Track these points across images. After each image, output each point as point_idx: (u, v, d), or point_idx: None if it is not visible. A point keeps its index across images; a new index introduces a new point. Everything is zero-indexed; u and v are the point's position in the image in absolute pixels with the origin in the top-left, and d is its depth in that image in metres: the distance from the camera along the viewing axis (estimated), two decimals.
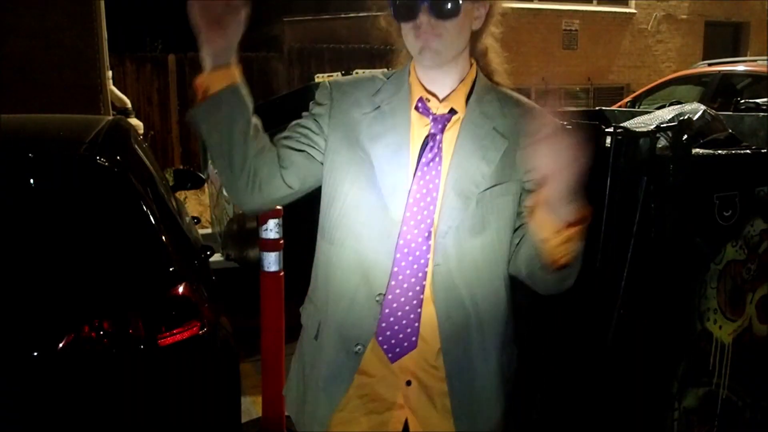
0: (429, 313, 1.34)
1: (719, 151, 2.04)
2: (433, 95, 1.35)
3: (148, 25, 9.19)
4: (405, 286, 1.32)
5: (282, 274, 2.85)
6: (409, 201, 1.31)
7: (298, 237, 3.62)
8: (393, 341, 1.34)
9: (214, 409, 2.25)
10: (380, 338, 1.34)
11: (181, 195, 4.42)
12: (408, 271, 1.32)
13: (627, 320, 1.97)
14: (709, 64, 7.80)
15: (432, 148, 1.32)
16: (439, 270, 1.31)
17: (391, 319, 1.33)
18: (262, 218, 2.81)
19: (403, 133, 1.33)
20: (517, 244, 1.35)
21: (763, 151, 2.10)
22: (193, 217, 3.90)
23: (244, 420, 2.74)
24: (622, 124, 2.22)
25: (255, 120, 1.32)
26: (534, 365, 2.07)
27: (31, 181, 2.23)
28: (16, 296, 2.01)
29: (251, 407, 3.16)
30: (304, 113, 1.44)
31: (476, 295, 1.35)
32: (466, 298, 1.34)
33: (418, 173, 1.32)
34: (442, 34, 1.26)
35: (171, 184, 3.50)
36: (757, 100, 3.55)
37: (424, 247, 1.31)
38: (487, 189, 1.31)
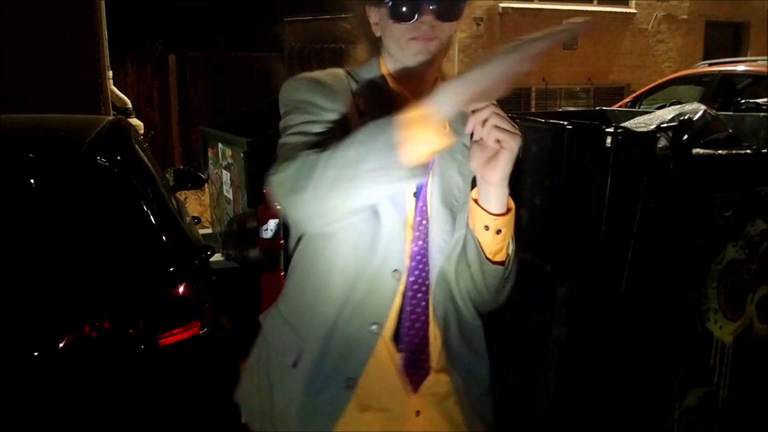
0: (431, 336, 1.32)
1: (719, 151, 2.04)
2: (413, 96, 1.26)
3: (149, 25, 9.19)
4: (418, 311, 1.29)
5: (282, 274, 2.85)
6: (404, 221, 1.26)
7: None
8: (414, 371, 1.31)
9: (214, 409, 2.25)
10: (406, 369, 1.30)
11: (181, 195, 4.41)
12: (414, 300, 1.29)
13: (627, 320, 1.97)
14: (710, 64, 7.81)
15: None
16: (439, 289, 1.30)
17: (411, 348, 1.30)
18: (262, 218, 2.81)
19: None
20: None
21: (763, 151, 2.10)
22: (193, 217, 3.91)
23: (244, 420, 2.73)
24: (622, 124, 2.22)
25: None
26: (534, 365, 2.07)
27: (31, 181, 2.23)
28: (17, 296, 2.01)
29: None
30: (307, 117, 1.22)
31: (464, 307, 1.34)
32: (461, 313, 1.33)
33: (409, 191, 1.26)
34: (439, 37, 1.22)
35: (171, 184, 3.50)
36: (758, 100, 3.55)
37: (423, 267, 1.29)
38: (464, 203, 1.28)
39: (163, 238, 2.26)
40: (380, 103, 1.23)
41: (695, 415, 2.08)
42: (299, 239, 1.36)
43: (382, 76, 1.29)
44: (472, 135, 1.18)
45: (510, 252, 1.27)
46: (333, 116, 1.21)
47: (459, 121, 1.19)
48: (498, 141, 1.12)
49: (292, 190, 1.09)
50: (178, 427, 2.12)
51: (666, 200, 1.92)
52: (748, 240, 2.05)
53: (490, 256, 1.25)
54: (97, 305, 2.00)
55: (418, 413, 1.32)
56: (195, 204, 7.33)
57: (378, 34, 1.28)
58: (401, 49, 1.23)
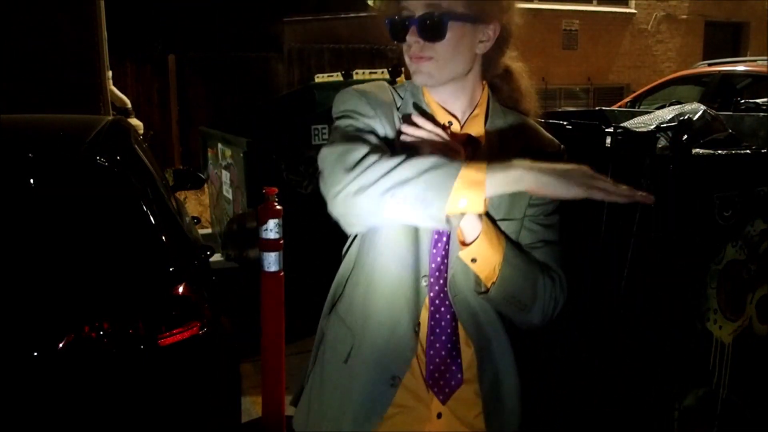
0: (462, 346, 1.32)
1: (719, 151, 2.04)
2: (455, 117, 1.30)
3: (148, 25, 9.18)
4: (443, 324, 1.30)
5: (282, 274, 2.85)
6: (435, 235, 1.28)
7: (299, 237, 3.63)
8: (442, 382, 1.32)
9: (214, 409, 2.25)
10: (430, 381, 1.31)
11: (181, 195, 4.41)
12: (442, 309, 1.30)
13: (627, 320, 1.97)
14: (709, 64, 7.80)
15: None
16: (459, 299, 1.29)
17: (437, 360, 1.31)
18: (262, 218, 2.81)
19: None
20: None
21: (763, 151, 2.10)
22: (193, 217, 3.90)
23: (244, 420, 2.74)
24: (622, 124, 2.22)
25: None
26: (533, 365, 2.07)
27: (31, 181, 2.23)
28: (17, 296, 2.00)
29: (251, 407, 3.16)
30: (348, 128, 1.26)
31: (497, 320, 1.33)
32: (487, 323, 1.32)
33: None
34: (432, 57, 1.21)
35: (171, 184, 3.50)
36: (757, 100, 3.55)
37: (443, 280, 1.30)
38: (495, 221, 1.27)
39: (163, 238, 2.26)
40: (418, 113, 1.28)
41: (695, 415, 2.08)
42: (353, 239, 1.38)
43: (423, 93, 1.31)
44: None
45: (497, 280, 1.24)
46: (374, 122, 1.26)
47: (500, 134, 1.28)
48: None
49: (338, 182, 1.14)
50: (178, 427, 2.12)
51: (666, 200, 1.92)
52: (747, 240, 2.05)
53: (486, 284, 1.25)
54: (97, 305, 2.00)
55: (439, 415, 1.33)
56: (195, 204, 7.33)
57: None
58: (408, 66, 1.26)
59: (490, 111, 1.32)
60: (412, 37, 1.21)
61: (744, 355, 2.11)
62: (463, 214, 1.17)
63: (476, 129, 1.30)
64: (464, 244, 1.22)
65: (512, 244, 1.26)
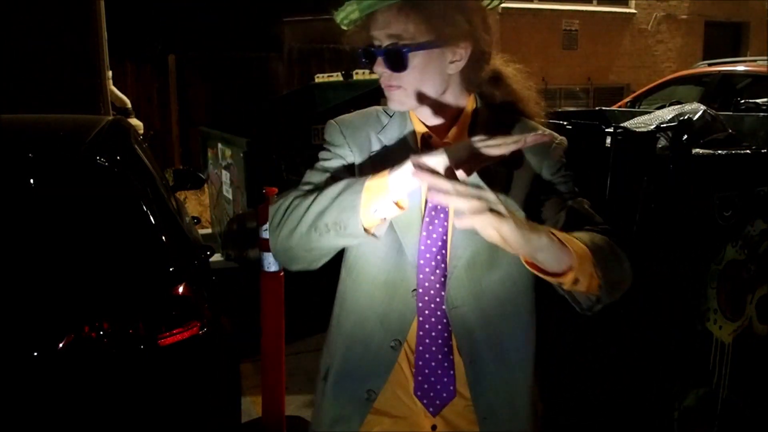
0: (456, 358, 1.31)
1: (719, 151, 2.04)
2: (436, 131, 1.30)
3: (148, 25, 9.18)
4: (433, 334, 1.29)
5: (282, 274, 2.85)
6: (422, 246, 1.27)
7: None
8: (432, 394, 1.31)
9: (214, 409, 2.25)
10: (418, 393, 1.31)
11: (181, 195, 4.41)
12: (433, 319, 1.29)
13: (627, 320, 1.97)
14: (709, 64, 7.80)
15: None
16: (457, 312, 1.27)
17: (426, 371, 1.30)
18: (262, 218, 2.81)
19: None
20: None
21: (763, 151, 2.10)
22: (193, 217, 3.90)
23: (244, 420, 2.74)
24: (622, 124, 2.22)
25: None
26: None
27: (31, 181, 2.23)
28: (17, 296, 2.00)
29: (251, 407, 3.16)
30: (323, 155, 1.34)
31: (501, 333, 1.31)
32: (485, 339, 1.29)
33: (426, 218, 1.27)
34: (401, 86, 1.24)
35: (171, 184, 3.50)
36: (757, 100, 3.54)
37: (443, 292, 1.28)
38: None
39: (163, 238, 2.26)
40: (401, 137, 1.31)
41: (695, 415, 2.08)
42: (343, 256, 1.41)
43: (407, 113, 1.33)
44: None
45: (601, 280, 1.15)
46: (341, 150, 1.32)
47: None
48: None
49: (270, 225, 1.24)
50: (178, 427, 2.12)
51: (665, 200, 1.92)
52: (747, 240, 2.05)
53: (586, 296, 1.18)
54: (97, 305, 2.00)
55: (434, 427, 1.33)
56: (195, 204, 7.33)
57: None
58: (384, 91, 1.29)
59: (479, 119, 1.31)
60: (378, 68, 1.24)
61: (744, 355, 2.11)
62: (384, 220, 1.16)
63: (461, 139, 1.28)
64: (553, 274, 1.11)
65: (580, 235, 1.17)
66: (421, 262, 1.28)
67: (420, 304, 1.29)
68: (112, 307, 2.01)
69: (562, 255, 1.07)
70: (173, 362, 2.05)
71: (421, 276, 1.28)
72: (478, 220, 0.98)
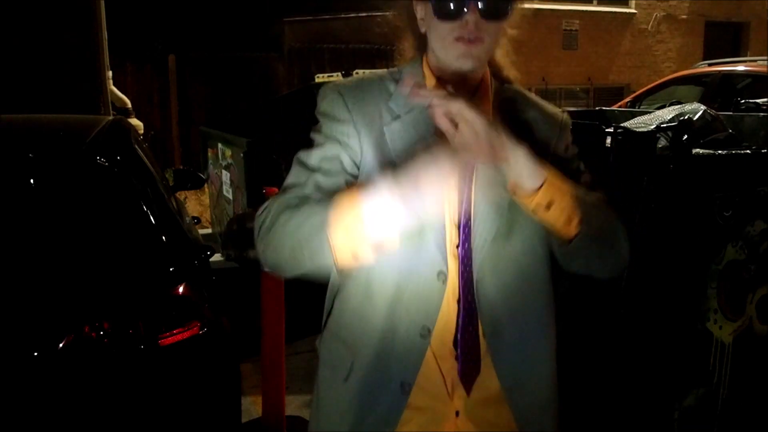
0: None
1: (719, 151, 2.04)
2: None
3: (148, 25, 9.18)
4: (465, 321, 1.25)
5: None
6: (446, 223, 1.21)
7: None
8: (468, 374, 1.26)
9: (214, 409, 2.25)
10: (463, 378, 1.26)
11: (181, 195, 4.41)
12: (466, 305, 1.24)
13: (627, 320, 1.97)
14: (710, 64, 7.79)
15: None
16: (481, 285, 1.23)
17: (465, 357, 1.25)
18: None
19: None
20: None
21: (763, 151, 2.10)
22: (193, 217, 3.90)
23: (244, 420, 2.74)
24: (622, 124, 2.22)
25: None
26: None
27: (31, 180, 2.23)
28: (17, 296, 2.00)
29: (251, 407, 3.16)
30: (319, 136, 1.24)
31: (523, 304, 1.27)
32: (506, 309, 1.26)
33: (453, 191, 1.21)
34: (484, 38, 1.14)
35: (171, 184, 3.50)
36: (757, 100, 3.55)
37: (467, 266, 1.23)
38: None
39: (163, 238, 2.26)
40: (419, 105, 1.18)
41: (695, 415, 2.08)
42: None
43: (424, 76, 1.24)
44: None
45: (583, 215, 1.16)
46: (346, 126, 1.21)
47: (505, 106, 1.23)
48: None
49: (255, 239, 1.21)
50: (178, 427, 2.12)
51: (666, 200, 1.92)
52: (748, 240, 2.05)
53: (564, 234, 1.18)
54: (97, 305, 2.00)
55: (457, 413, 1.28)
56: (195, 204, 7.33)
57: (423, 30, 1.22)
58: (445, 49, 1.17)
59: (493, 86, 1.27)
60: (473, 15, 1.12)
61: (744, 355, 2.11)
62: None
63: (485, 108, 1.20)
64: (528, 196, 1.13)
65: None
66: (447, 238, 1.22)
67: (452, 288, 1.23)
68: (112, 307, 2.01)
69: (537, 168, 1.11)
70: (173, 362, 2.05)
71: (449, 256, 1.22)
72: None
